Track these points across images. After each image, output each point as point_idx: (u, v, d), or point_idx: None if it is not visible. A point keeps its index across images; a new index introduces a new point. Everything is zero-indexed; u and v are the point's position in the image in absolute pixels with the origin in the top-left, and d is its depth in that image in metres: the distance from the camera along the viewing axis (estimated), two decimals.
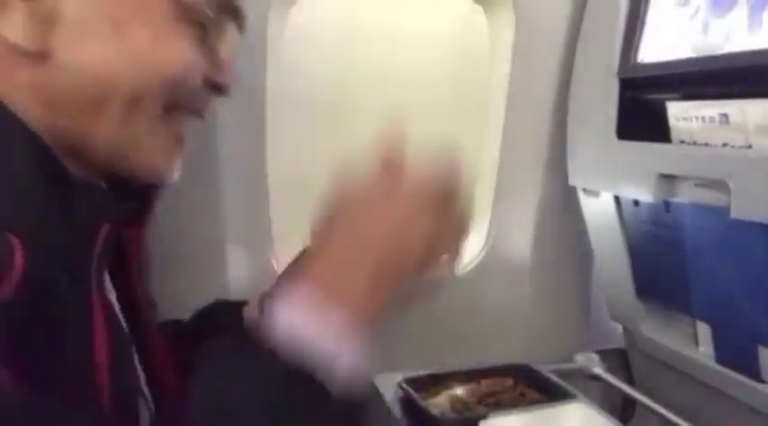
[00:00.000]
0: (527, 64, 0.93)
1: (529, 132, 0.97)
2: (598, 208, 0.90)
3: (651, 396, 0.69)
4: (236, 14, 0.56)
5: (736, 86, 0.66)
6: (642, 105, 0.79)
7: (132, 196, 0.56)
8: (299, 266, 0.51)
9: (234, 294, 0.87)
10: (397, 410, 0.85)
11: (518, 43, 0.92)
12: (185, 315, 0.78)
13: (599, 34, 0.84)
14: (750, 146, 0.65)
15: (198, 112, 0.56)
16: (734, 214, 0.63)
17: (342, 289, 0.46)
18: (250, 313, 0.77)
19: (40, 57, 0.45)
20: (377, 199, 0.51)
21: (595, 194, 0.88)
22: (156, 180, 0.54)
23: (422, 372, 0.89)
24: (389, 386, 0.88)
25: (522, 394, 0.89)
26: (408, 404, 0.84)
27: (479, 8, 0.95)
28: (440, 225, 0.51)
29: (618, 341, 1.03)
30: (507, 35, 0.92)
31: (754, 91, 0.63)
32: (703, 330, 0.82)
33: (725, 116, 0.66)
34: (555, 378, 0.90)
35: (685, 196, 0.72)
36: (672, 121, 0.74)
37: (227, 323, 0.76)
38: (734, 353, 0.77)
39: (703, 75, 0.69)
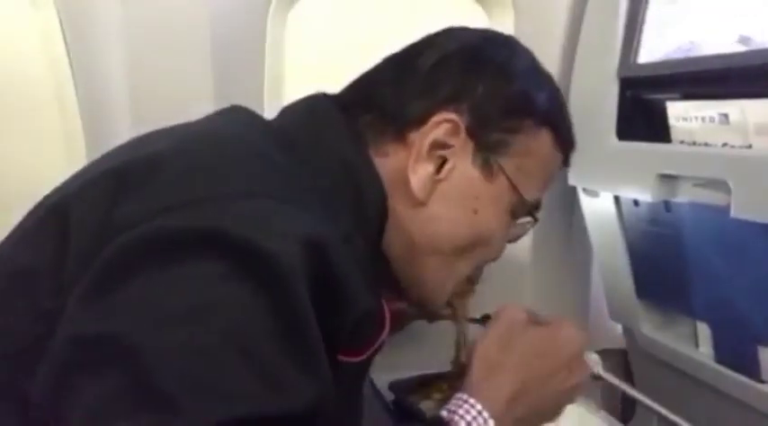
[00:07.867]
0: None
1: None
2: (598, 208, 0.90)
3: (651, 396, 0.69)
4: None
5: (736, 86, 0.66)
6: (642, 105, 0.79)
7: None
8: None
9: None
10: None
11: None
12: None
13: (599, 34, 0.84)
14: (750, 146, 0.65)
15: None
16: (734, 214, 0.63)
17: (492, 399, 0.54)
18: None
19: (419, 204, 0.57)
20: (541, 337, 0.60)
21: (595, 194, 0.88)
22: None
23: (415, 373, 0.88)
24: (384, 389, 0.88)
25: None
26: (399, 407, 0.84)
27: (479, 8, 0.95)
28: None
29: (618, 341, 1.03)
30: None
31: (754, 91, 0.63)
32: (703, 330, 0.82)
33: (725, 116, 0.66)
34: None
35: (685, 196, 0.72)
36: (672, 121, 0.74)
37: None
38: (734, 353, 0.77)
39: (703, 74, 0.69)
